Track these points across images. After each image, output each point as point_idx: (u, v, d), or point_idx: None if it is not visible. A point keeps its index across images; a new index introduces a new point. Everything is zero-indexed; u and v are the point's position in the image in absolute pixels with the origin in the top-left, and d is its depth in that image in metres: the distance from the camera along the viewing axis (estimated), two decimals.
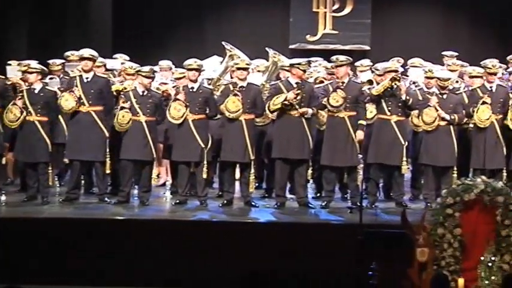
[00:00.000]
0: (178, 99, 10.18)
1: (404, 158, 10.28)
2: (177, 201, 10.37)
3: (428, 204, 9.93)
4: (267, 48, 11.51)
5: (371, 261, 7.28)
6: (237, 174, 10.56)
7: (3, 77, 11.05)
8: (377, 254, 7.40)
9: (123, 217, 9.65)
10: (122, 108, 10.20)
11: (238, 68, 10.34)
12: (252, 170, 10.24)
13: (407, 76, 11.51)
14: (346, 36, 15.74)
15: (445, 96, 10.30)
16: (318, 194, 10.86)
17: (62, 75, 11.19)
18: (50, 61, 11.36)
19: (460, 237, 7.36)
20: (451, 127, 10.26)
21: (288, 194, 10.57)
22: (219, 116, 10.42)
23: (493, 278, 7.25)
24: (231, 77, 11.05)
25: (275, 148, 10.25)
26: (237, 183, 10.56)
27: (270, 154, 10.40)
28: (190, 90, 10.29)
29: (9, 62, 11.55)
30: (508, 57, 11.87)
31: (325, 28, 15.90)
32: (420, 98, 10.39)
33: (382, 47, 15.53)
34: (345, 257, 8.20)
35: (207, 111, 10.30)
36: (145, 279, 8.99)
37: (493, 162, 10.26)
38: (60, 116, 10.66)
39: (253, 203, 10.29)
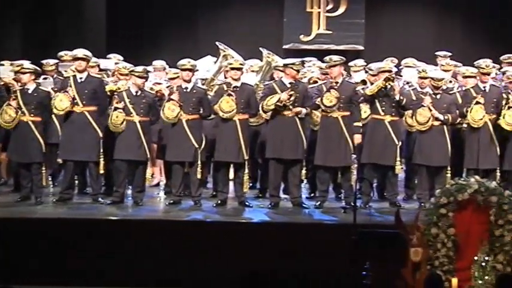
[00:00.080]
0: (172, 100, 10.16)
1: (398, 158, 10.29)
2: (171, 201, 10.36)
3: (422, 204, 9.93)
4: (260, 48, 11.49)
5: (365, 261, 7.28)
6: (231, 174, 10.55)
7: None
8: (371, 254, 7.39)
9: (117, 217, 9.64)
10: (116, 108, 10.20)
11: (232, 68, 10.33)
12: (246, 170, 10.23)
13: (401, 76, 11.51)
14: (340, 36, 15.73)
15: (438, 96, 10.31)
16: (312, 194, 10.86)
17: (55, 76, 11.18)
18: (44, 61, 11.35)
19: (453, 237, 7.38)
20: (445, 127, 10.27)
21: (282, 194, 10.57)
22: (213, 116, 10.41)
23: (486, 277, 7.25)
24: (225, 77, 11.04)
25: (269, 148, 10.25)
26: (231, 183, 10.55)
27: (264, 154, 10.39)
28: (184, 90, 10.28)
29: (2, 62, 11.52)
30: (501, 58, 11.90)
31: (319, 28, 15.90)
32: (414, 98, 10.40)
33: (375, 47, 15.53)
34: (339, 257, 8.20)
35: (201, 112, 10.29)
36: (145, 279, 8.98)
37: (487, 162, 10.27)
38: (53, 116, 10.64)
39: (247, 203, 10.29)
